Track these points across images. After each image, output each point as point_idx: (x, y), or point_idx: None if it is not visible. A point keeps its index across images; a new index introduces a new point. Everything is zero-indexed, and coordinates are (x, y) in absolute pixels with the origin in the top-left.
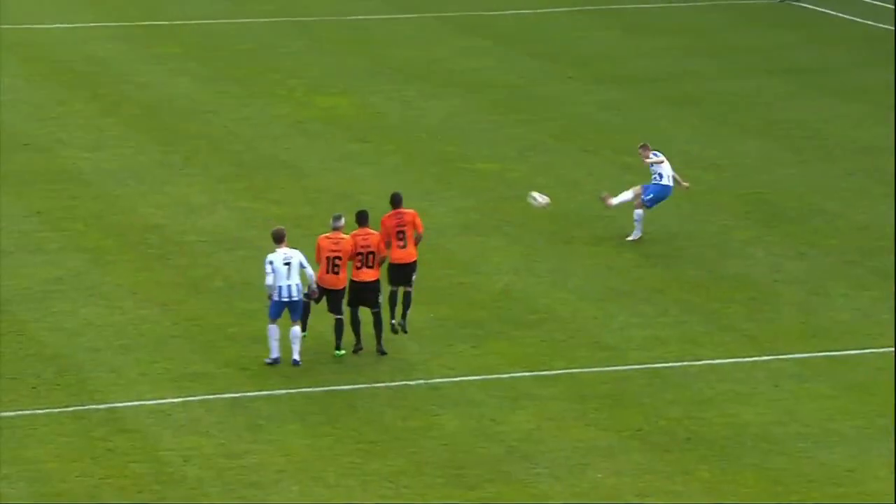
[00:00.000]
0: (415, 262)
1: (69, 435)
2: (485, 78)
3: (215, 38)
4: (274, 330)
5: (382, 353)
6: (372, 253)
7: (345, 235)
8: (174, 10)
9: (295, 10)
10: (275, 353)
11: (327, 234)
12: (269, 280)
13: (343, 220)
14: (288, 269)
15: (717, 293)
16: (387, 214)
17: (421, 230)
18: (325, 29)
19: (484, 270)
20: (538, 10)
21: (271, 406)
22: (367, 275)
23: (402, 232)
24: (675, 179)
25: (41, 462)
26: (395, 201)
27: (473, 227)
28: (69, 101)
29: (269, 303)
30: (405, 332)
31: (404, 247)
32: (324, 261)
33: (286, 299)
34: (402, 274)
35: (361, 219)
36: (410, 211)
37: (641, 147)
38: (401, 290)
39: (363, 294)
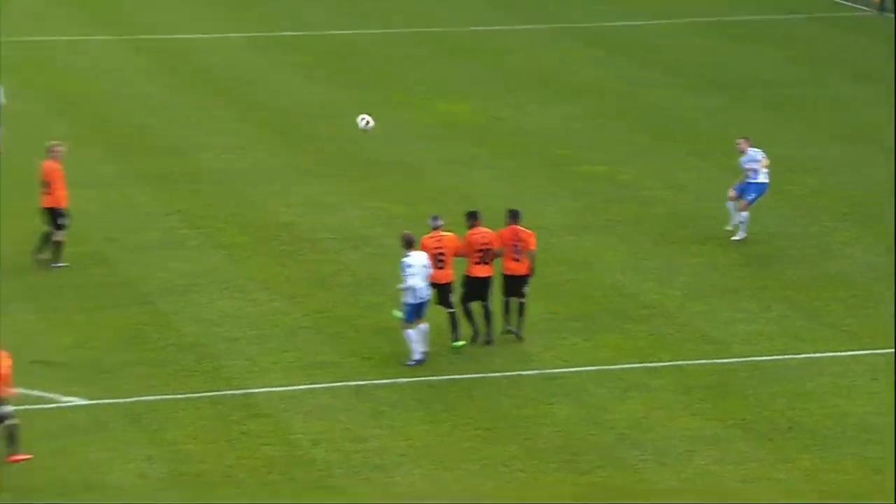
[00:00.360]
0: (528, 275)
1: (206, 418)
2: (596, 85)
3: (344, 47)
4: (413, 333)
5: (490, 342)
6: (490, 249)
7: (445, 233)
8: (306, 21)
9: (419, 21)
10: (418, 355)
11: (429, 234)
12: (412, 282)
13: (441, 221)
14: (423, 271)
15: (818, 291)
16: (506, 228)
17: (534, 248)
18: (446, 39)
19: (595, 268)
20: (646, 22)
21: (394, 394)
22: (484, 270)
23: (518, 246)
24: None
25: (180, 443)
26: (514, 217)
27: (585, 227)
28: (208, 107)
29: (404, 305)
30: (520, 338)
31: (518, 260)
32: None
33: (422, 300)
34: (515, 285)
35: (476, 218)
36: (528, 231)
37: (743, 139)
38: (514, 300)
39: (478, 288)
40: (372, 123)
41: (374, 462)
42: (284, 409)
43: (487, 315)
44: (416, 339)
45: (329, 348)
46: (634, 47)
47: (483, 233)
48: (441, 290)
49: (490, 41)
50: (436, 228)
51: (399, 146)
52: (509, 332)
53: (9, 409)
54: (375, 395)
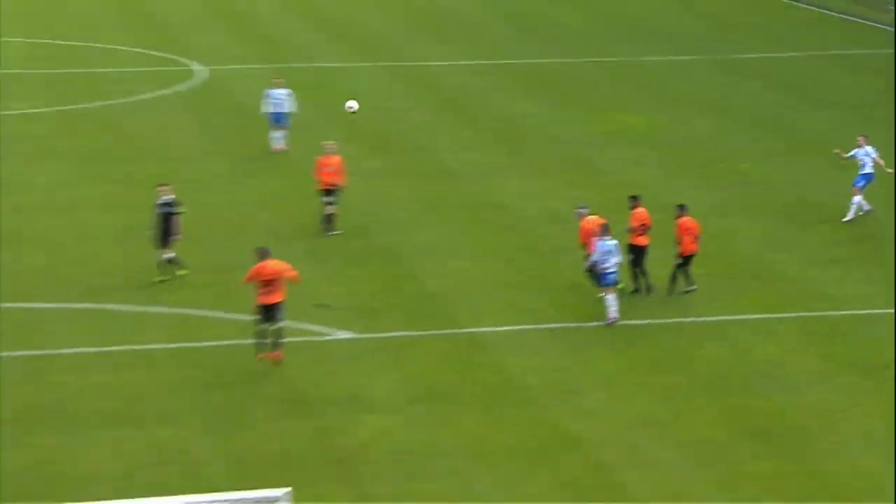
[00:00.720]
0: (696, 252)
1: (441, 352)
2: (736, 103)
3: (548, 73)
4: (612, 297)
5: (651, 290)
6: (646, 223)
7: (593, 217)
8: (514, 51)
9: (600, 52)
10: (613, 314)
11: (585, 219)
12: (617, 259)
13: (587, 209)
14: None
15: None
16: (681, 219)
17: (698, 233)
18: (623, 67)
19: (737, 241)
20: (775, 55)
21: (585, 335)
22: (643, 240)
23: (694, 233)
24: (877, 167)
25: (418, 370)
26: (683, 209)
27: (729, 211)
28: (444, 117)
29: (608, 275)
30: (690, 291)
31: (693, 242)
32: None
33: (617, 269)
34: (688, 260)
35: (637, 200)
36: (694, 221)
37: (863, 137)
38: (681, 272)
39: (639, 253)
40: (356, 107)
41: (569, 388)
42: (501, 345)
43: (644, 273)
44: (613, 302)
45: (536, 299)
46: (766, 73)
47: (643, 211)
48: None
49: (654, 68)
50: (582, 216)
51: (587, 149)
52: (686, 291)
53: (282, 312)
54: (570, 336)
